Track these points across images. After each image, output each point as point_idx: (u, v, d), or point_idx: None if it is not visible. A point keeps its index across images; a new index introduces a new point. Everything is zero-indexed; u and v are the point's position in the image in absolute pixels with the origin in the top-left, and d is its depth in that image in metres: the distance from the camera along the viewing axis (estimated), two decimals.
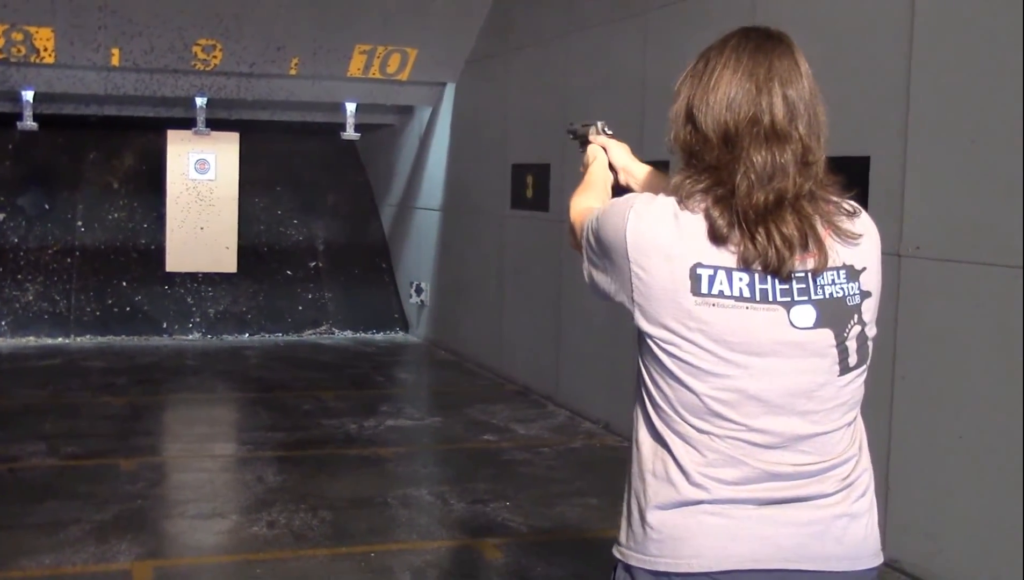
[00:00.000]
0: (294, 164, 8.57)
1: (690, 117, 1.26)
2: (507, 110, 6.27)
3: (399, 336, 7.90)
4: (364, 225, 8.49)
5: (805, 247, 1.23)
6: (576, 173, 1.67)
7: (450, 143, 7.22)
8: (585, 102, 5.30)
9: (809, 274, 1.24)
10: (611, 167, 1.65)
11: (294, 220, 8.39)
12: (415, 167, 7.86)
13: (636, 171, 1.64)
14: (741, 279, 1.23)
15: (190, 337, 7.58)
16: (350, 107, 7.31)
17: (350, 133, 7.38)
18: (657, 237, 1.23)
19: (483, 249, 6.59)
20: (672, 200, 1.24)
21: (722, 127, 1.24)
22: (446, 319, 7.27)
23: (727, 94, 1.24)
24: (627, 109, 4.78)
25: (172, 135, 7.36)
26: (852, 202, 1.29)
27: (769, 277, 1.23)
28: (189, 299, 7.74)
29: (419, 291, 7.71)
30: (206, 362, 6.78)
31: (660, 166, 1.66)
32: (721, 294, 1.22)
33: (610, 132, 1.71)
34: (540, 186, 5.80)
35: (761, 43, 1.26)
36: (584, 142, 1.73)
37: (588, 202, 1.47)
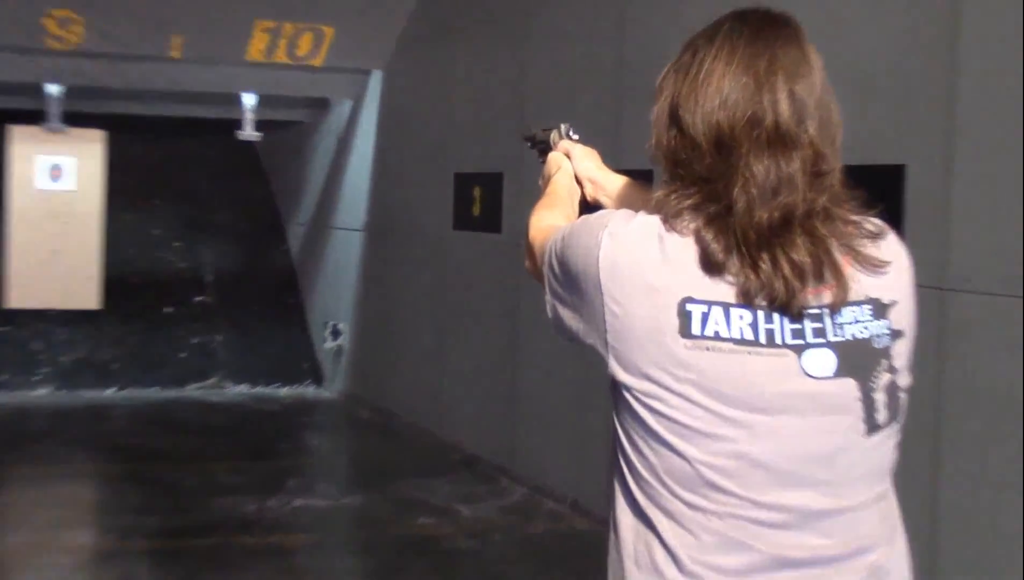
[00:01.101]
0: (176, 171, 8.65)
1: (675, 119, 1.31)
2: (450, 105, 6.38)
3: (310, 391, 8.01)
4: (266, 250, 8.60)
5: (820, 277, 1.27)
6: (536, 185, 1.73)
7: (377, 146, 7.31)
8: (547, 98, 5.42)
9: (826, 310, 1.28)
10: (577, 179, 1.70)
11: (175, 243, 8.47)
12: (332, 176, 7.99)
13: (608, 183, 1.69)
14: (742, 317, 1.26)
15: (36, 393, 7.60)
16: (249, 99, 7.42)
17: (249, 132, 7.49)
18: (637, 264, 1.27)
19: (419, 280, 6.68)
20: (656, 219, 1.28)
21: (714, 130, 1.28)
22: (371, 369, 7.36)
23: (720, 90, 1.28)
24: (599, 108, 4.88)
25: (16, 132, 7.37)
26: (877, 221, 1.34)
27: (776, 314, 1.26)
28: (35, 344, 7.77)
29: (336, 334, 7.81)
30: (57, 425, 6.78)
31: (640, 177, 1.73)
32: (717, 336, 1.25)
33: (576, 136, 1.76)
34: (490, 201, 5.87)
35: (761, 28, 1.30)
36: (544, 150, 1.79)
37: (551, 219, 1.52)
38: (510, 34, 5.72)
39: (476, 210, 6.01)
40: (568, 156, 1.73)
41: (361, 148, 7.51)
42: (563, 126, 1.78)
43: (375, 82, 7.33)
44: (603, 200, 1.68)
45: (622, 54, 4.85)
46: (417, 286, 6.69)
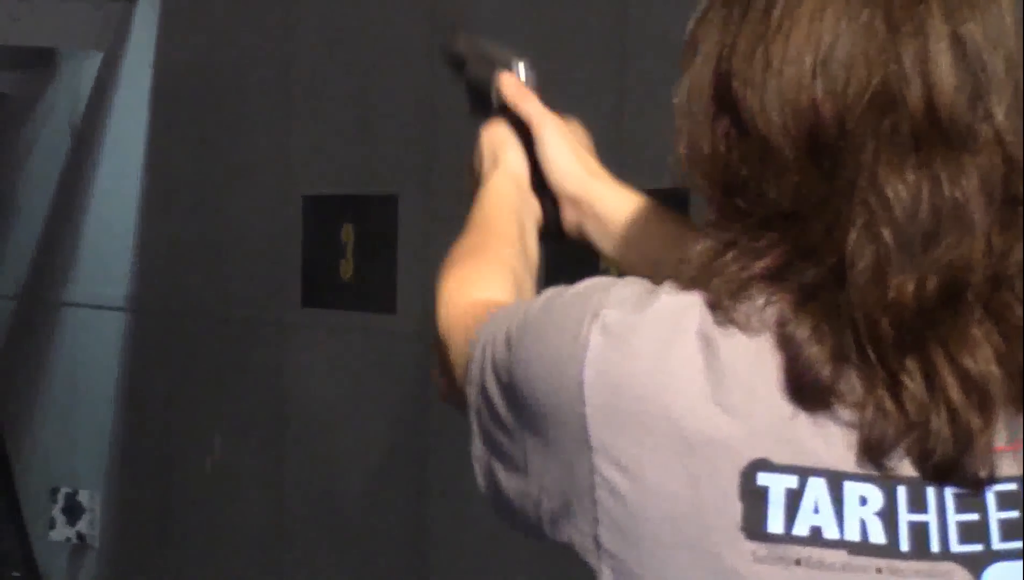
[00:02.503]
0: None
1: (726, 101, 1.18)
2: (293, 62, 5.88)
3: None
4: None
5: (1018, 399, 1.14)
6: (463, 214, 1.64)
7: (150, 143, 6.62)
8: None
9: None
10: (540, 185, 1.56)
11: None
12: (62, 203, 7.30)
13: (605, 202, 1.58)
14: (865, 499, 1.12)
15: None
16: None
17: None
18: (662, 395, 1.16)
19: (236, 405, 6.16)
20: (697, 300, 1.16)
21: (807, 119, 1.15)
22: (144, 570, 6.78)
23: (817, 40, 1.15)
24: (590, 78, 4.56)
25: None
26: None
27: (932, 490, 1.14)
28: None
29: (73, 510, 6.96)
30: None
31: (663, 199, 1.62)
32: (818, 537, 1.13)
33: (533, 86, 1.63)
34: (375, 251, 5.41)
35: None
36: (481, 101, 1.62)
37: (478, 288, 1.41)
38: None
39: (346, 269, 5.49)
40: (530, 128, 1.57)
41: (120, 146, 6.78)
42: (522, 68, 1.58)
43: (145, 15, 6.60)
44: (596, 238, 1.57)
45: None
46: (233, 416, 6.13)
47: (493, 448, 1.26)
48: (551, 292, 1.25)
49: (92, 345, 6.98)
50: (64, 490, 6.95)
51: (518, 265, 1.49)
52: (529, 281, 1.45)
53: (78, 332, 7.11)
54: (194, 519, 6.43)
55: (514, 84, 1.62)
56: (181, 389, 6.49)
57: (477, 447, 1.27)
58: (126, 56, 6.68)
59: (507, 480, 1.25)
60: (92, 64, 6.90)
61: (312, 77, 5.73)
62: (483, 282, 1.42)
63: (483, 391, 1.25)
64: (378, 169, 5.34)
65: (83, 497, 6.89)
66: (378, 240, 5.28)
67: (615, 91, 4.47)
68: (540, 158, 1.57)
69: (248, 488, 6.20)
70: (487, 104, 1.61)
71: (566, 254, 1.63)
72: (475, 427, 1.28)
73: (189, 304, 6.37)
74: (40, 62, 7.32)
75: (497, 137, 1.61)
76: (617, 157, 4.34)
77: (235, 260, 6.07)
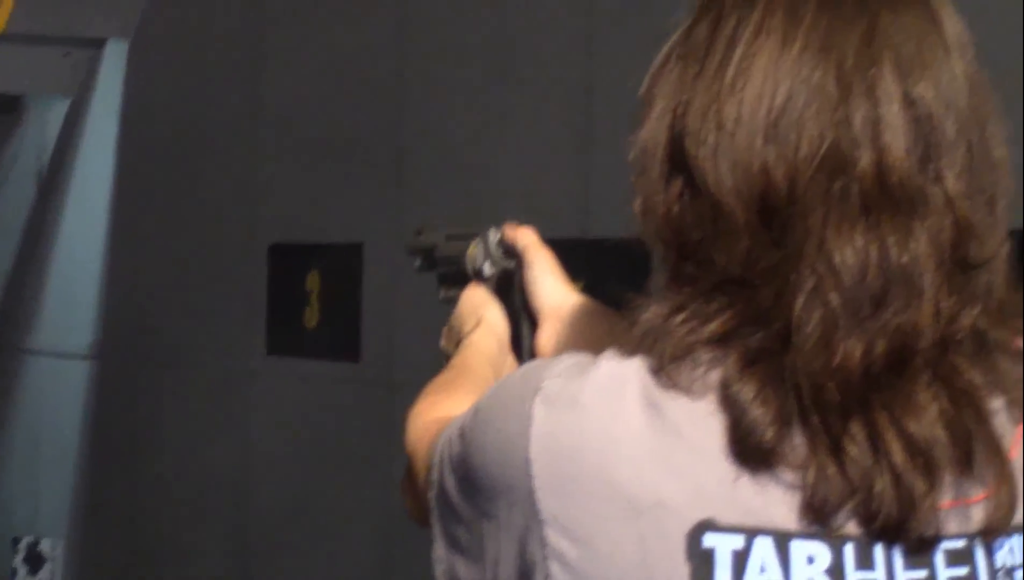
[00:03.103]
0: None
1: (680, 159, 1.16)
2: (261, 109, 6.04)
3: None
4: None
5: (966, 470, 1.13)
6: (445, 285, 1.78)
7: (117, 190, 6.74)
8: (449, 101, 5.22)
9: (977, 542, 1.15)
10: (515, 337, 1.62)
11: None
12: (28, 249, 7.36)
13: (583, 310, 1.62)
14: (812, 558, 1.12)
15: None
16: None
17: None
18: (606, 459, 1.14)
19: (202, 453, 6.25)
20: (638, 366, 1.15)
21: (758, 180, 1.13)
22: None
23: (769, 98, 1.14)
24: (553, 130, 4.75)
25: None
26: None
27: (880, 548, 1.13)
28: None
29: (34, 560, 6.99)
30: None
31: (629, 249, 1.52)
32: None
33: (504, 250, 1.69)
34: (340, 299, 5.53)
35: None
36: (452, 276, 1.69)
37: (443, 409, 1.42)
38: None
39: (311, 318, 5.63)
40: (522, 259, 1.63)
41: (86, 193, 6.88)
42: (493, 234, 1.63)
43: (112, 63, 6.72)
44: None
45: (591, 39, 4.66)
46: (199, 464, 6.25)
47: (453, 545, 1.25)
48: (497, 382, 1.26)
49: (56, 393, 6.98)
50: (26, 539, 6.92)
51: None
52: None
53: (42, 380, 7.11)
54: (157, 569, 6.43)
55: (511, 226, 1.66)
56: (145, 437, 6.51)
57: (439, 549, 1.26)
58: (93, 102, 6.74)
59: (466, 574, 1.24)
60: (59, 110, 6.95)
61: (278, 126, 5.88)
62: (451, 404, 1.43)
63: (441, 490, 1.25)
64: (343, 218, 5.45)
65: (45, 546, 6.88)
66: (343, 288, 5.40)
67: (581, 147, 4.53)
68: (527, 279, 1.60)
69: (213, 537, 6.26)
70: (462, 277, 1.65)
71: None
72: (436, 530, 1.27)
73: (154, 351, 6.43)
74: (6, 108, 7.30)
75: (478, 298, 1.64)
76: (583, 206, 4.23)
77: (200, 307, 6.16)
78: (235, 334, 5.99)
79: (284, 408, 5.78)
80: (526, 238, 1.65)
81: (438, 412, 1.43)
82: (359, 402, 5.31)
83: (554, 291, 1.63)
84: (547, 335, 1.61)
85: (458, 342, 1.64)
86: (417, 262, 1.76)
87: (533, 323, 1.61)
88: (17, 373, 7.33)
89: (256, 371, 5.83)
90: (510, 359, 1.62)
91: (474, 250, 1.67)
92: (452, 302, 1.68)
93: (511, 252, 1.65)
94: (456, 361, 1.61)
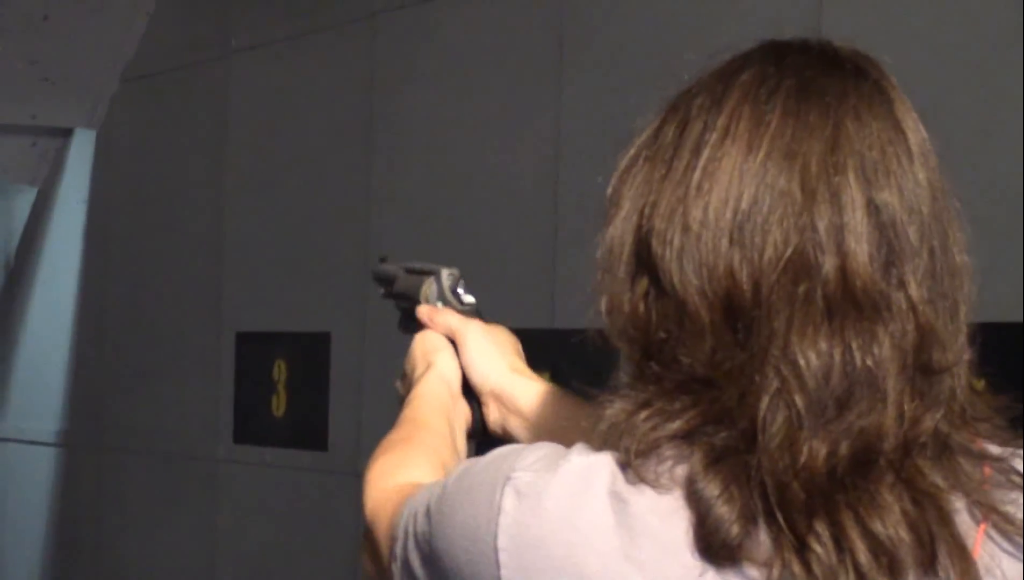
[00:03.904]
0: None
1: (646, 259, 1.18)
2: (227, 196, 5.94)
3: None
4: None
5: (929, 568, 1.14)
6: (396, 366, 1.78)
7: (84, 276, 6.66)
8: (419, 195, 5.15)
9: None
10: (466, 388, 1.62)
11: None
12: None
13: (527, 399, 1.62)
14: None
15: None
16: None
17: None
18: (573, 553, 1.15)
19: (167, 545, 6.08)
20: (608, 460, 1.16)
21: (723, 283, 1.15)
22: None
23: (735, 202, 1.15)
24: (520, 217, 4.69)
25: None
26: None
27: None
28: None
29: None
30: None
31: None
32: None
33: (469, 300, 1.66)
34: (306, 388, 5.45)
35: (814, 78, 1.18)
36: (409, 312, 1.69)
37: (407, 473, 1.43)
38: (347, 41, 5.46)
39: (278, 406, 5.56)
40: (453, 338, 1.63)
41: (53, 280, 6.81)
42: (446, 274, 1.65)
43: (79, 152, 6.66)
44: (518, 433, 1.59)
45: (559, 119, 4.59)
46: (165, 552, 6.07)
47: None
48: (467, 462, 1.24)
49: (22, 481, 6.89)
50: None
51: (447, 455, 1.49)
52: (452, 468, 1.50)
53: (7, 467, 7.01)
54: None
55: (426, 311, 1.65)
56: (111, 525, 6.42)
57: None
58: (60, 191, 6.72)
59: None
60: (27, 198, 6.92)
61: (245, 213, 5.82)
62: (410, 467, 1.42)
63: (405, 563, 1.25)
64: (311, 306, 5.38)
65: None
66: (310, 377, 5.33)
67: (549, 242, 4.49)
68: (462, 361, 1.59)
69: None
70: (414, 321, 1.65)
71: (485, 446, 1.60)
72: None
73: (121, 439, 6.34)
74: None
75: (429, 343, 1.63)
76: (549, 297, 4.22)
77: (167, 395, 6.08)
78: (202, 422, 5.93)
79: (251, 497, 5.70)
80: (447, 320, 1.64)
81: (398, 477, 1.42)
82: (326, 491, 5.25)
83: (493, 369, 1.62)
84: (496, 418, 1.61)
85: (411, 387, 1.63)
86: (380, 290, 1.76)
87: (477, 402, 1.60)
88: None
89: (223, 459, 5.77)
90: (462, 404, 1.61)
91: (428, 289, 1.66)
92: (411, 334, 1.68)
93: (463, 298, 1.66)
94: (408, 413, 1.59)
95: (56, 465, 6.71)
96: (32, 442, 6.80)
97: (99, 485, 6.52)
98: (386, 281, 1.74)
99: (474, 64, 5.00)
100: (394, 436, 1.54)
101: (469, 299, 1.67)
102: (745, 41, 1.25)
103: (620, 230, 1.20)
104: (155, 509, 6.17)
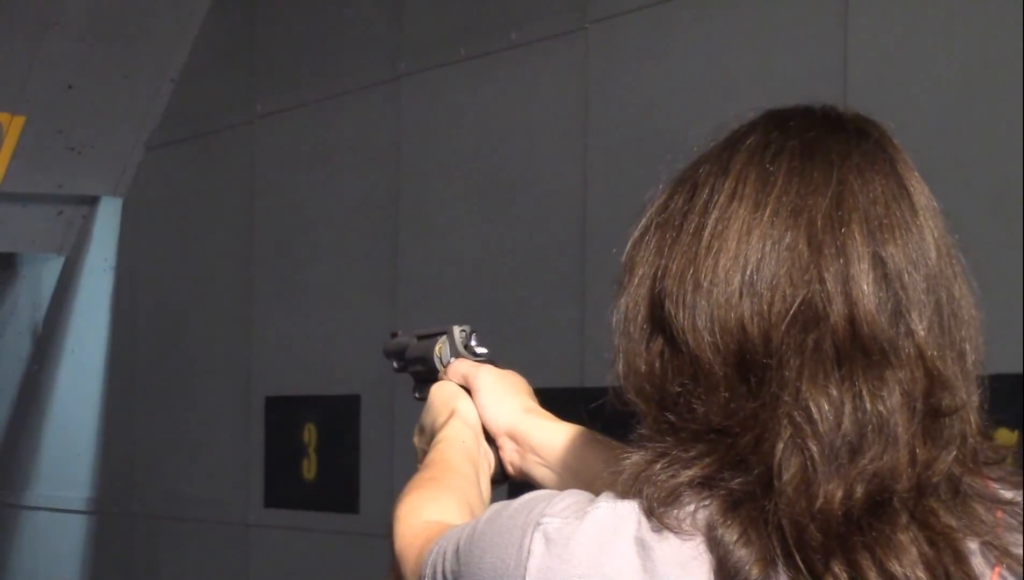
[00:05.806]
0: None
1: (660, 319, 1.21)
2: (254, 262, 6.01)
3: None
4: None
5: None
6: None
7: (112, 344, 6.70)
8: (434, 253, 5.22)
9: None
10: (488, 435, 1.65)
11: None
12: (25, 402, 7.27)
13: (542, 437, 1.63)
14: None
15: None
16: None
17: None
18: None
19: None
20: (632, 507, 1.18)
21: (735, 336, 1.17)
22: None
23: (744, 260, 1.18)
24: (550, 279, 4.75)
25: None
26: None
27: None
28: None
29: None
30: None
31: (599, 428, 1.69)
32: None
33: (482, 351, 1.71)
34: (336, 451, 5.51)
35: (819, 141, 1.21)
36: (424, 376, 1.73)
37: (434, 512, 1.44)
38: (368, 105, 5.48)
39: (309, 470, 5.60)
40: (468, 388, 1.66)
41: (81, 348, 6.84)
42: (458, 331, 1.69)
43: (107, 218, 6.70)
44: (535, 471, 1.61)
45: (585, 182, 4.59)
46: None
47: None
48: (498, 505, 1.25)
49: (53, 549, 6.91)
50: None
51: (472, 497, 1.51)
52: (478, 511, 1.48)
53: (39, 536, 7.05)
54: None
55: (452, 367, 1.70)
56: None
57: None
58: (87, 259, 6.76)
59: None
60: (54, 266, 6.97)
61: (272, 277, 5.93)
62: (437, 506, 1.44)
63: None
64: (340, 370, 5.42)
65: None
66: (340, 440, 5.40)
67: (578, 305, 4.55)
68: (476, 405, 1.63)
69: None
70: (432, 375, 1.69)
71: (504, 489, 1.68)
72: None
73: (151, 505, 6.40)
74: (2, 265, 7.35)
75: (448, 391, 1.66)
76: (579, 358, 4.16)
77: (197, 461, 6.15)
78: (232, 487, 5.97)
79: (282, 561, 5.74)
80: (460, 367, 1.68)
81: (426, 515, 1.44)
82: (358, 554, 5.26)
83: (505, 410, 1.65)
84: (513, 460, 1.63)
85: (432, 437, 1.65)
86: (394, 364, 1.78)
87: (495, 445, 1.63)
88: (15, 529, 7.27)
89: (254, 524, 5.83)
90: (486, 447, 1.63)
91: (441, 347, 1.69)
92: (420, 397, 1.72)
93: (476, 350, 1.70)
94: (435, 455, 1.61)
95: (87, 533, 6.74)
96: (63, 510, 6.82)
97: (130, 552, 6.56)
98: (398, 353, 1.78)
99: (499, 125, 5.02)
100: (423, 475, 1.56)
101: (482, 350, 1.70)
102: (770, 103, 1.27)
103: (634, 296, 1.23)
104: (186, 575, 6.23)
